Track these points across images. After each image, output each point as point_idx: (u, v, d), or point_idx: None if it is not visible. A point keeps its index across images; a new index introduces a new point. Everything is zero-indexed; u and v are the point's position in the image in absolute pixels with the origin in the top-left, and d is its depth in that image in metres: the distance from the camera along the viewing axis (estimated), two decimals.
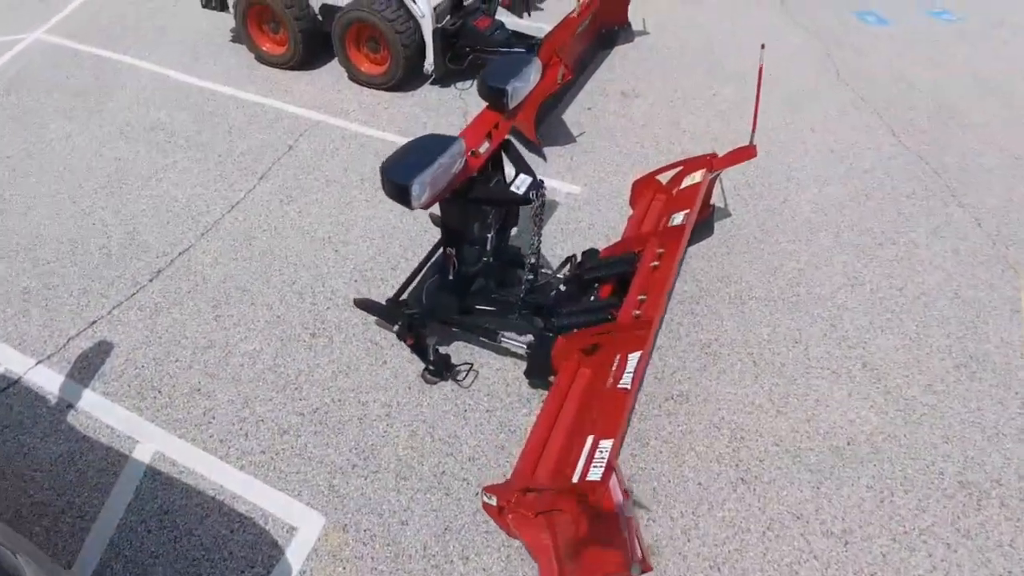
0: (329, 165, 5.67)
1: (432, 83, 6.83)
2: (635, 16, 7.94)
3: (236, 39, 7.42)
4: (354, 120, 6.27)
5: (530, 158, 5.68)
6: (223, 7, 7.08)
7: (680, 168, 4.63)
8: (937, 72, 7.41)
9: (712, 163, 4.44)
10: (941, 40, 8.16)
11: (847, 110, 6.69)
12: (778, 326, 4.42)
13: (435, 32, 6.35)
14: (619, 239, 4.63)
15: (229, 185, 5.43)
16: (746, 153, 4.48)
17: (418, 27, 6.37)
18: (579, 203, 5.35)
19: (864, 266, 4.90)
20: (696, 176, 4.39)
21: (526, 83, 3.68)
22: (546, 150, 5.90)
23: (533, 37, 6.95)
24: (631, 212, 4.95)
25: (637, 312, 3.38)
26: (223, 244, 4.87)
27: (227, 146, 5.89)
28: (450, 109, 6.49)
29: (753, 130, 4.43)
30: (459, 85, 6.86)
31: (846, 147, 6.14)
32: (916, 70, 7.44)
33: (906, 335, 4.39)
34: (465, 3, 6.97)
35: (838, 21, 8.54)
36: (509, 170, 3.81)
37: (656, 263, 3.69)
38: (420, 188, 2.86)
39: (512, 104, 3.61)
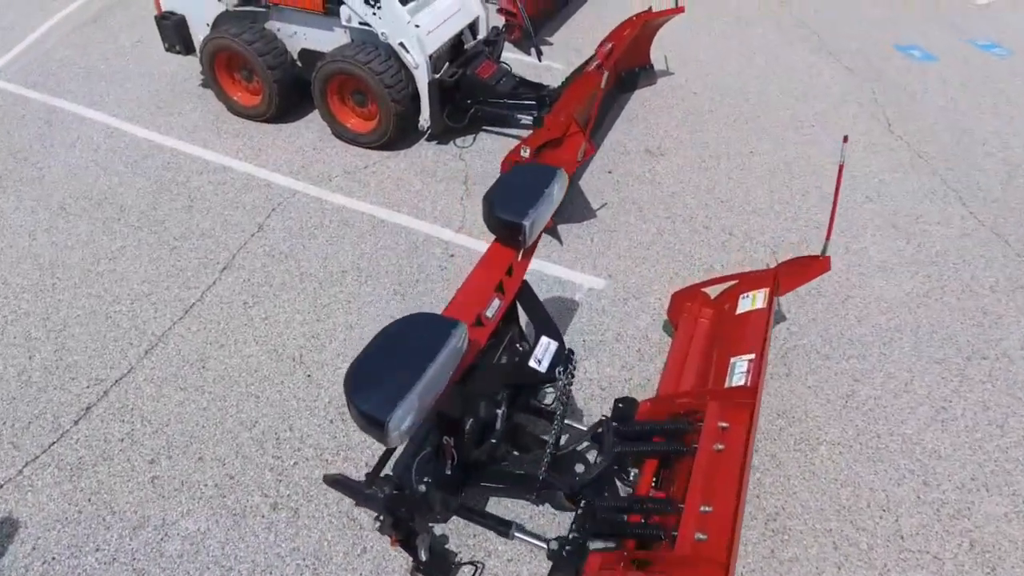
0: (304, 252, 4.74)
1: (428, 139, 5.91)
2: (657, 53, 7.02)
3: (207, 83, 6.48)
4: (336, 189, 5.33)
5: (543, 244, 4.76)
6: (188, 50, 6.14)
7: (735, 282, 3.71)
8: (1000, 122, 6.47)
9: (777, 281, 3.51)
10: (996, 80, 7.21)
11: (904, 171, 5.77)
12: (859, 485, 3.50)
13: (431, 84, 5.43)
14: (663, 369, 3.73)
15: (184, 281, 4.51)
16: (818, 267, 3.56)
17: (411, 79, 5.44)
18: (603, 303, 4.43)
19: (953, 391, 3.98)
20: (758, 299, 3.47)
21: (549, 206, 2.76)
22: (561, 229, 4.97)
23: (545, 86, 6.01)
24: (673, 329, 4.05)
25: (701, 536, 2.47)
26: (170, 367, 3.94)
27: (186, 225, 4.96)
28: (449, 172, 5.56)
29: (828, 237, 3.51)
30: (459, 142, 5.93)
31: (909, 221, 5.23)
32: (976, 119, 6.51)
33: (1017, 497, 3.49)
34: (466, 46, 6.04)
35: (880, 57, 7.60)
36: (525, 324, 2.89)
37: (720, 446, 2.77)
38: (401, 420, 1.93)
39: (531, 240, 2.70)
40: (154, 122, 6.05)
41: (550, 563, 2.85)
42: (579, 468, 3.11)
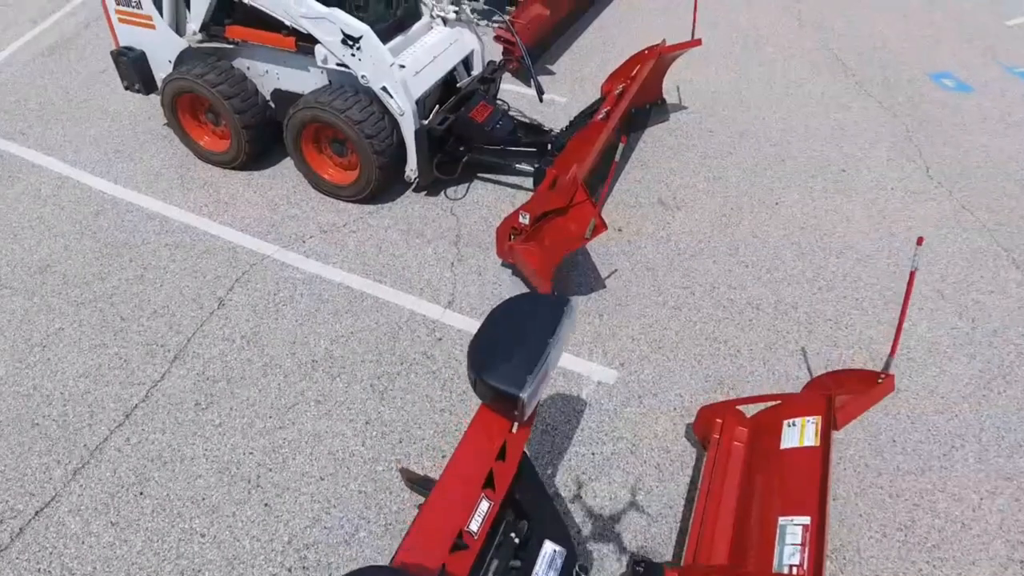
0: (270, 335, 4.10)
1: (415, 190, 5.27)
2: (667, 81, 6.38)
3: None
4: (310, 252, 4.69)
5: None
6: (149, 89, 5.49)
7: (777, 402, 3.07)
8: None
9: (832, 410, 2.86)
10: None
11: (948, 226, 5.11)
12: None
13: (419, 133, 4.78)
14: (691, 515, 3.11)
15: (128, 374, 3.86)
16: (882, 388, 2.92)
17: (396, 126, 4.80)
18: (614, 402, 3.78)
19: None
20: (808, 432, 2.83)
21: (556, 357, 2.12)
22: None
23: (547, 131, 5.35)
24: (703, 448, 3.43)
25: None
26: (102, 493, 3.28)
27: (137, 301, 4.32)
28: (438, 230, 4.90)
29: (893, 353, 2.87)
30: (450, 193, 5.28)
31: (960, 289, 4.57)
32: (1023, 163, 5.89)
33: None
34: (459, 84, 5.39)
35: (912, 87, 6.92)
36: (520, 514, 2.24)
37: None
38: None
39: (530, 410, 2.06)
40: (111, 170, 5.41)
41: None
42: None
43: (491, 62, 5.61)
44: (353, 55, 4.53)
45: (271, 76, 5.07)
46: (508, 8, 7.08)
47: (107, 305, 4.26)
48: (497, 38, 6.62)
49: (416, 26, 5.24)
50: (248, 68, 5.10)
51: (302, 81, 4.99)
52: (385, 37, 4.90)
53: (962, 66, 7.36)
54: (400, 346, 4.02)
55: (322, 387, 3.78)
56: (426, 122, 4.84)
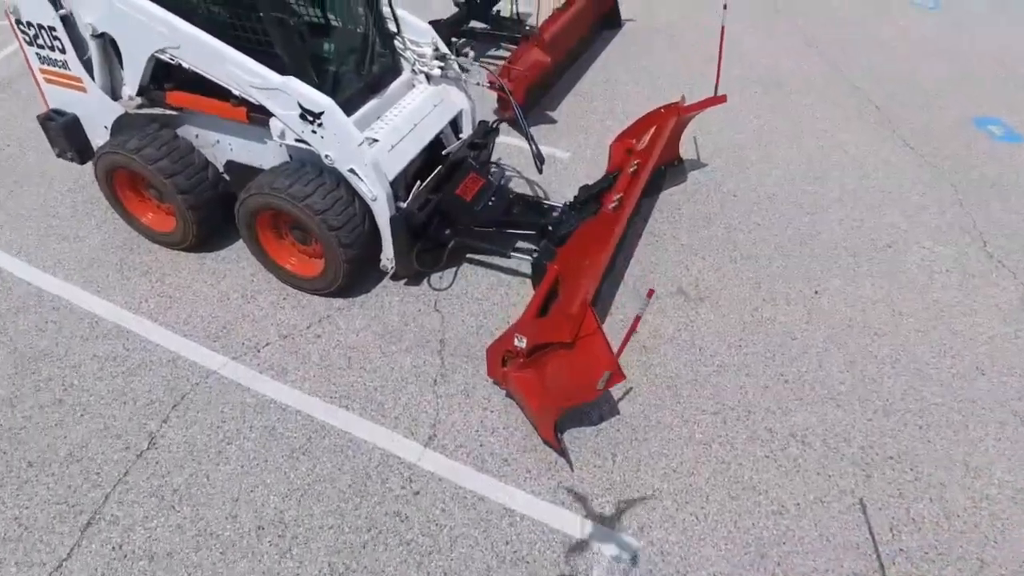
0: (208, 489, 3.25)
1: (393, 278, 4.48)
2: (687, 135, 5.60)
3: None
4: (266, 366, 3.89)
5: (541, 461, 3.31)
6: (84, 158, 4.69)
7: None
8: None
9: None
10: None
11: (1018, 321, 4.32)
12: None
13: (395, 220, 4.01)
14: None
15: (25, 552, 3.03)
16: None
17: (368, 212, 4.03)
18: None
19: None
20: None
21: None
22: (571, 438, 3.53)
23: (550, 207, 4.56)
24: None
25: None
26: None
27: (49, 439, 3.49)
28: (419, 333, 4.07)
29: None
30: (435, 280, 4.49)
31: None
32: None
33: None
34: (445, 151, 4.59)
35: (956, 136, 6.10)
36: None
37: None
38: None
39: None
40: (39, 253, 4.60)
41: None
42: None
43: (482, 123, 4.80)
44: (314, 132, 3.74)
45: (223, 146, 4.28)
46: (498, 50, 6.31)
47: (12, 446, 3.46)
48: (491, 85, 5.83)
49: (395, 84, 4.45)
50: (196, 136, 4.30)
51: (259, 154, 4.20)
52: (357, 100, 4.13)
53: (1011, 111, 6.56)
54: (367, 503, 3.23)
55: (268, 568, 3.00)
56: (404, 204, 4.05)
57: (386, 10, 4.34)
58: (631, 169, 4.08)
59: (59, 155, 4.65)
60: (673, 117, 4.68)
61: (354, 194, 3.92)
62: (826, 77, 7.10)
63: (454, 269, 4.52)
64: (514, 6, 7.08)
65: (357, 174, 3.81)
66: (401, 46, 4.52)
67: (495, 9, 7.09)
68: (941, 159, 5.85)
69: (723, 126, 6.16)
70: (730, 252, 4.78)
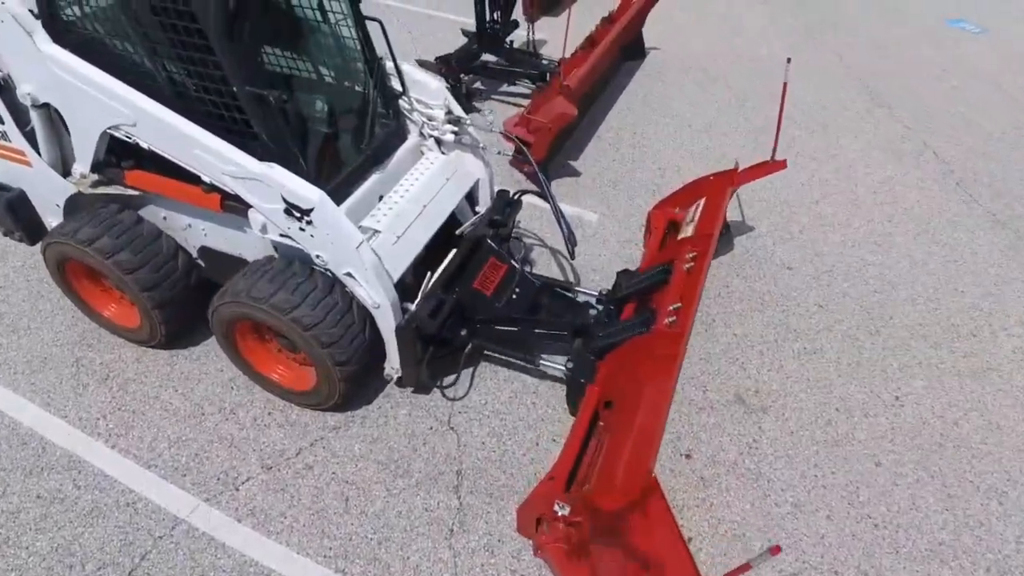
0: None
1: (400, 385, 3.77)
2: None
3: None
4: (246, 510, 3.12)
5: None
6: (34, 238, 3.94)
7: None
8: None
9: None
10: None
11: None
12: None
13: (402, 330, 3.30)
14: None
15: None
16: None
17: (369, 320, 3.32)
18: None
19: None
20: None
21: None
22: None
23: (587, 300, 3.82)
24: None
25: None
26: None
27: None
28: (431, 460, 3.32)
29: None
30: (449, 388, 3.80)
31: None
32: None
33: None
34: (460, 229, 3.85)
35: None
36: None
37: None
38: None
39: None
40: None
41: None
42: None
43: (501, 193, 4.07)
44: (302, 229, 3.01)
45: (196, 232, 3.54)
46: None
47: None
48: (506, 136, 5.09)
49: (400, 152, 3.71)
50: (164, 219, 3.56)
51: (239, 242, 3.46)
52: (355, 176, 3.41)
53: None
54: None
55: None
56: (412, 306, 3.33)
57: (388, 64, 3.62)
58: (686, 265, 3.36)
59: (5, 234, 3.92)
60: (727, 188, 3.96)
61: (351, 299, 3.20)
62: (874, 116, 6.37)
63: (470, 370, 3.81)
64: (530, 35, 6.33)
65: (355, 279, 3.09)
66: (407, 106, 3.80)
67: (508, 40, 6.35)
68: (1017, 218, 5.13)
69: (767, 179, 5.43)
70: (791, 345, 4.06)
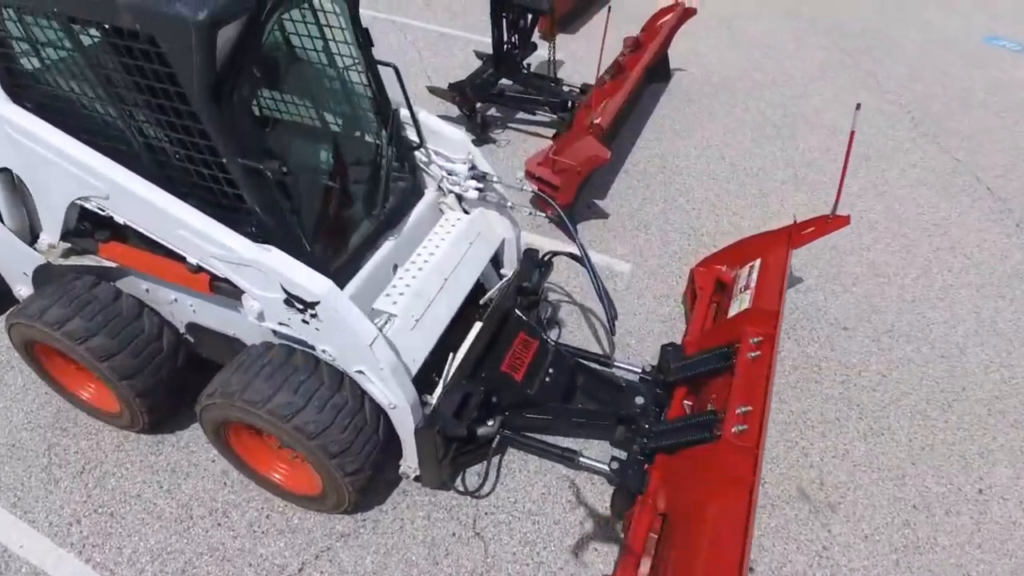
0: None
1: (416, 479, 3.29)
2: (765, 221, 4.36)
3: None
4: None
5: None
6: (2, 306, 3.49)
7: None
8: None
9: None
10: None
11: None
12: None
13: (423, 433, 2.81)
14: None
15: None
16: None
17: (384, 419, 2.84)
18: None
19: None
20: None
21: None
22: None
23: (630, 380, 3.33)
24: None
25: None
26: None
27: None
28: (455, 573, 2.95)
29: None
30: (472, 480, 3.27)
31: None
32: None
33: None
34: (485, 299, 3.36)
35: None
36: None
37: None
38: None
39: None
40: None
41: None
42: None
43: (529, 254, 3.57)
44: (306, 322, 2.55)
45: (183, 306, 3.06)
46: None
47: None
48: (529, 175, 4.59)
49: (417, 213, 3.23)
50: (147, 291, 3.07)
51: (232, 321, 2.96)
52: (367, 246, 2.94)
53: None
54: None
55: None
56: (433, 400, 2.85)
57: (403, 112, 3.13)
58: (752, 353, 2.88)
59: None
60: (787, 251, 3.47)
61: (363, 395, 2.72)
62: (919, 147, 5.86)
63: (497, 460, 3.32)
64: (550, 56, 5.81)
65: (368, 376, 2.62)
66: (425, 158, 3.32)
67: (526, 63, 5.85)
68: None
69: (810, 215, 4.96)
70: (855, 423, 3.59)
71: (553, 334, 3.93)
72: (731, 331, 3.16)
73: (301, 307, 2.46)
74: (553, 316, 4.06)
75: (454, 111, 5.81)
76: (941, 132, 6.08)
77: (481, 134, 5.56)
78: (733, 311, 3.34)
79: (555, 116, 5.57)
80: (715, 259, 3.82)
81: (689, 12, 6.05)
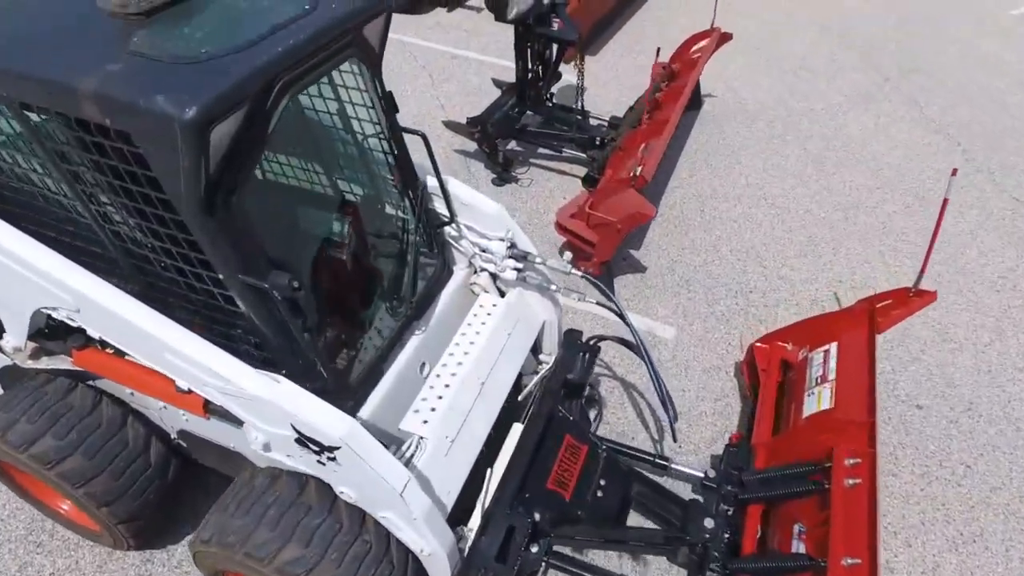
0: None
1: None
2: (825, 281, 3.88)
3: None
4: None
5: None
6: None
7: None
8: None
9: None
10: None
11: None
12: None
13: None
14: None
15: None
16: None
17: (411, 562, 2.35)
18: None
19: None
20: None
21: None
22: None
23: (686, 503, 2.77)
24: None
25: None
26: None
27: None
28: None
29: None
30: None
31: None
32: None
33: None
34: (524, 395, 2.88)
35: None
36: None
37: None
38: None
39: None
40: None
41: None
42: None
43: (571, 335, 3.09)
44: (322, 464, 2.08)
45: (174, 413, 2.59)
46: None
47: None
48: (558, 226, 4.10)
49: (446, 297, 2.77)
50: (132, 395, 2.63)
51: (231, 435, 2.44)
52: (390, 346, 2.48)
53: None
54: None
55: None
56: (469, 531, 2.39)
57: (431, 180, 2.66)
58: (850, 480, 2.39)
59: None
60: (870, 335, 3.00)
61: (388, 537, 2.27)
62: (976, 186, 5.32)
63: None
64: (578, 87, 5.27)
65: (397, 524, 2.16)
66: (455, 232, 2.86)
67: (549, 93, 5.36)
68: None
69: (869, 271, 4.49)
70: (942, 528, 3.10)
71: (591, 412, 3.48)
72: (814, 441, 2.69)
73: (316, 449, 2.00)
74: (593, 395, 3.60)
75: (471, 145, 5.35)
76: (997, 167, 5.60)
77: (503, 173, 5.09)
78: (809, 408, 2.89)
79: (584, 153, 5.09)
80: (779, 335, 3.36)
81: (726, 37, 5.57)
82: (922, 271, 3.14)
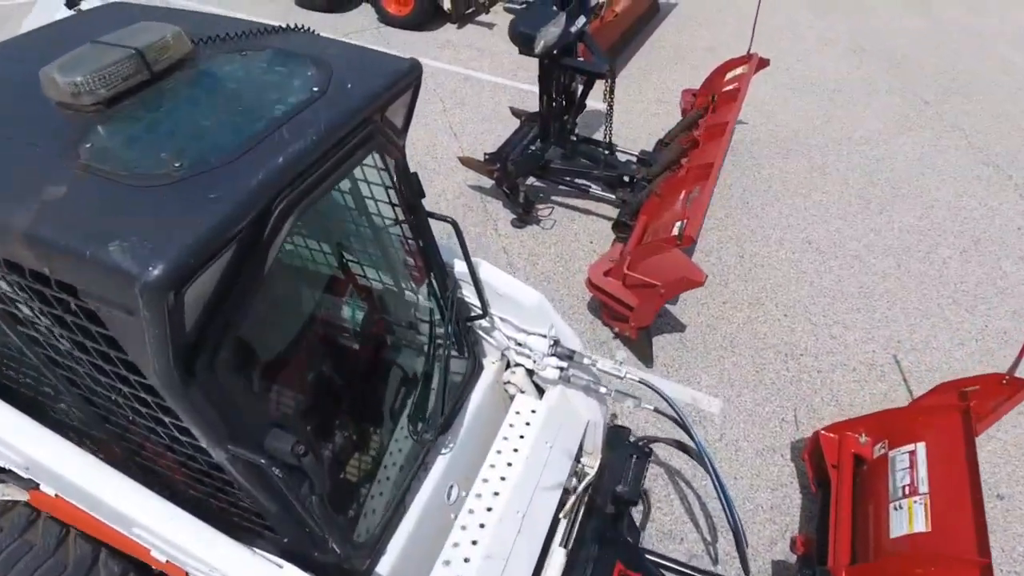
0: None
1: None
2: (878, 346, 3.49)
3: None
4: None
5: None
6: None
7: None
8: None
9: None
10: None
11: None
12: None
13: None
14: None
15: None
16: None
17: None
18: None
19: None
20: None
21: None
22: None
23: None
24: None
25: None
26: None
27: None
28: None
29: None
30: None
31: None
32: None
33: None
34: (563, 510, 2.47)
35: None
36: None
37: None
38: None
39: None
40: None
41: None
42: None
43: (617, 433, 2.68)
44: None
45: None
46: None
47: None
48: (591, 286, 3.67)
49: (478, 399, 2.34)
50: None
51: None
52: (412, 470, 2.06)
53: None
54: None
55: None
56: None
57: (459, 266, 2.24)
58: None
59: None
60: (962, 433, 2.57)
61: None
62: None
63: None
64: (607, 120, 4.70)
65: None
66: (487, 324, 2.43)
67: (573, 123, 4.89)
68: None
69: (931, 329, 4.05)
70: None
71: (636, 517, 3.05)
72: (906, 569, 2.27)
73: None
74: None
75: (488, 180, 4.92)
76: None
77: (524, 215, 4.66)
78: (898, 527, 2.45)
79: (612, 193, 4.65)
80: (850, 425, 2.93)
81: (763, 63, 5.12)
82: (1019, 357, 2.72)
